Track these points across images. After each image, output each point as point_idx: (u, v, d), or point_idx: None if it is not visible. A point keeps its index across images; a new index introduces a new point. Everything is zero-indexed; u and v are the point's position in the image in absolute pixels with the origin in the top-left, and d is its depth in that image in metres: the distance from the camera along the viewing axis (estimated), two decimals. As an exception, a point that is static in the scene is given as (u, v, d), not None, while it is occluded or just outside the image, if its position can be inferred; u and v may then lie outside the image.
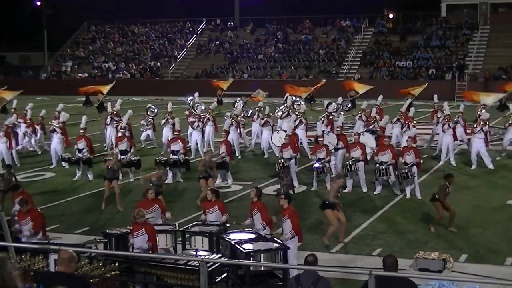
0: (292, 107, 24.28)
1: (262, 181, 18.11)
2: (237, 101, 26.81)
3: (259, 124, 23.16)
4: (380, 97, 24.75)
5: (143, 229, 9.94)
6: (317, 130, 18.30)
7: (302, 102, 26.63)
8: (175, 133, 18.53)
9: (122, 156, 18.10)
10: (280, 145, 19.28)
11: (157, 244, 10.17)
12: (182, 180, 18.31)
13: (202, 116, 22.44)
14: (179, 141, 18.04)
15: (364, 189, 16.88)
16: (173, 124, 22.76)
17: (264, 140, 21.98)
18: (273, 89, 40.57)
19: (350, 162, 16.61)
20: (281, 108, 23.69)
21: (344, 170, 16.81)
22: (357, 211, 15.05)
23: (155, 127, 24.29)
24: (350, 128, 24.83)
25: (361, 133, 18.87)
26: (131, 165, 18.07)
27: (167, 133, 21.97)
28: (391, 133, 19.70)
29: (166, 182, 17.83)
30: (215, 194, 11.51)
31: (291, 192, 14.17)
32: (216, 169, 16.71)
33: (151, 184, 13.74)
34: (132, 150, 18.60)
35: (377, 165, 16.28)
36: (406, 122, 20.76)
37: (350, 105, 27.86)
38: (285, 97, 26.56)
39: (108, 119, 22.81)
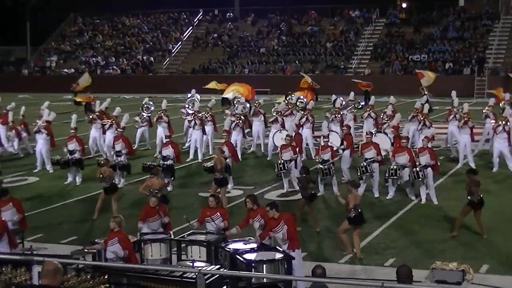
0: (295, 105, 24.25)
1: (265, 186, 18.10)
2: (238, 98, 26.81)
3: (264, 124, 23.19)
4: (391, 98, 24.53)
5: (116, 238, 10.08)
6: (322, 130, 18.27)
7: (305, 99, 26.62)
8: (166, 139, 18.44)
9: (116, 159, 18.15)
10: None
11: (134, 253, 10.20)
12: (170, 189, 18.14)
13: (199, 114, 22.42)
14: (170, 146, 17.99)
15: (376, 194, 16.87)
16: (168, 123, 22.84)
17: (271, 139, 21.96)
18: (276, 86, 40.63)
19: (365, 164, 16.59)
20: (280, 105, 23.57)
21: (359, 172, 16.80)
22: (368, 217, 14.99)
23: (152, 124, 24.29)
24: (359, 127, 24.86)
25: (374, 134, 18.85)
26: (120, 169, 18.06)
27: (161, 133, 22.02)
28: (408, 134, 19.54)
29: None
30: (217, 200, 11.53)
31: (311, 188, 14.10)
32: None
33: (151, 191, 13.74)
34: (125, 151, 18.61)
35: (393, 166, 16.28)
36: (423, 120, 20.66)
37: (363, 102, 27.79)
38: (286, 94, 26.58)
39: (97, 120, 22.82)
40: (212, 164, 16.29)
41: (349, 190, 12.51)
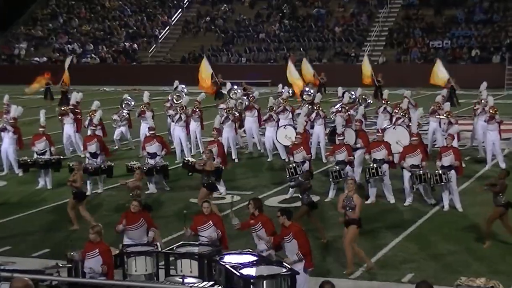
0: (287, 99, 24.10)
1: (264, 191, 18.13)
2: (233, 91, 26.77)
3: (258, 120, 23.20)
4: (408, 92, 24.49)
5: (97, 249, 10.12)
6: (337, 127, 18.26)
7: (312, 91, 26.53)
8: (151, 131, 18.51)
9: (91, 161, 18.12)
10: (287, 144, 19.28)
11: (113, 269, 10.24)
12: (168, 189, 18.33)
13: (183, 108, 22.41)
14: (155, 140, 18.03)
15: (392, 200, 16.90)
16: (153, 119, 22.87)
17: (268, 139, 22.00)
18: (278, 76, 40.59)
19: (374, 166, 16.63)
20: (274, 102, 23.53)
21: (367, 175, 16.84)
22: (383, 227, 15.05)
23: (131, 123, 24.31)
24: (372, 124, 24.90)
25: (393, 127, 18.84)
26: (101, 173, 18.07)
27: (145, 130, 22.14)
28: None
29: (149, 192, 17.92)
30: (211, 206, 11.56)
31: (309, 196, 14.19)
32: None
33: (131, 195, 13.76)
34: (101, 153, 18.63)
35: (412, 169, 16.30)
36: (448, 116, 20.63)
37: (370, 101, 27.85)
38: (281, 87, 26.50)
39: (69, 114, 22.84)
40: (193, 160, 16.31)
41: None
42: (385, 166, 16.82)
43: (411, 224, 15.24)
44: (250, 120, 23.40)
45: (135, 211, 11.77)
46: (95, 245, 10.21)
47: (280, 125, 21.52)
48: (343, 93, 24.90)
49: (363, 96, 26.64)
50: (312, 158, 20.71)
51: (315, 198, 17.03)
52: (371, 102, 26.89)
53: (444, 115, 20.73)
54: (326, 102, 33.20)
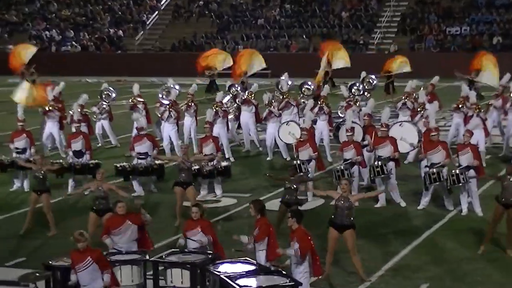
0: (287, 93, 24.05)
1: (264, 193, 18.12)
2: (234, 88, 26.61)
3: (255, 117, 23.19)
4: (412, 81, 24.50)
5: (89, 258, 9.99)
6: (346, 121, 18.25)
7: (311, 87, 26.41)
8: (140, 132, 18.46)
9: (76, 160, 18.17)
10: (290, 142, 19.26)
11: (115, 277, 10.21)
12: (155, 191, 18.36)
13: (173, 105, 22.37)
14: (146, 139, 18.08)
15: (402, 203, 16.92)
16: (146, 112, 22.91)
17: (269, 136, 21.97)
18: (279, 66, 40.58)
19: (379, 163, 16.63)
20: (268, 96, 23.49)
21: (371, 174, 16.84)
22: (393, 233, 15.06)
23: (112, 116, 24.27)
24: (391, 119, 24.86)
25: (399, 123, 18.84)
26: (88, 172, 18.10)
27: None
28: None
29: (136, 194, 17.94)
30: (201, 211, 11.57)
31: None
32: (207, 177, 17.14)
33: (97, 200, 13.82)
34: (88, 152, 18.67)
35: (427, 168, 16.32)
36: (477, 110, 20.53)
37: (375, 81, 27.75)
38: (280, 80, 26.40)
39: (44, 110, 22.82)
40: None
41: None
42: (391, 164, 16.80)
43: (425, 229, 15.22)
44: (246, 115, 23.35)
45: (122, 213, 11.68)
46: (84, 254, 10.01)
47: (282, 121, 21.47)
48: (351, 85, 24.82)
49: (368, 80, 26.52)
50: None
51: (319, 202, 17.08)
52: (376, 82, 26.93)
53: (470, 107, 20.68)
54: (334, 96, 33.23)
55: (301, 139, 17.59)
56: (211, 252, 11.17)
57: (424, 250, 13.98)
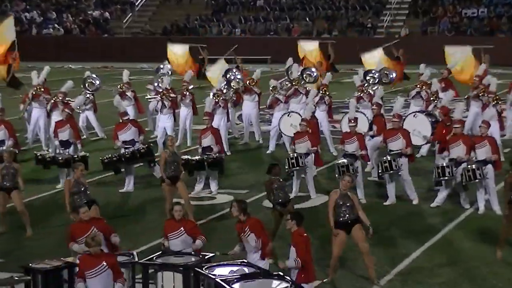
0: (300, 80, 24.02)
1: (263, 189, 18.04)
2: (231, 74, 26.57)
3: (258, 105, 23.16)
4: (421, 66, 24.26)
5: (104, 263, 9.92)
6: (349, 110, 18.21)
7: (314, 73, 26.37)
8: (123, 117, 18.42)
9: (62, 150, 18.18)
10: (292, 136, 19.22)
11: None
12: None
13: (167, 92, 22.29)
14: (130, 125, 18.13)
15: (415, 200, 16.91)
16: (136, 100, 22.87)
17: (274, 125, 21.90)
18: (279, 52, 40.56)
19: (388, 158, 16.59)
20: (280, 83, 23.41)
21: (379, 170, 16.79)
22: (404, 233, 15.05)
23: (97, 107, 24.25)
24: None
25: (413, 114, 18.80)
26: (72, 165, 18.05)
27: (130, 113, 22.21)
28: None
29: (124, 190, 17.97)
30: (184, 210, 11.63)
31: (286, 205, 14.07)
32: (199, 169, 17.08)
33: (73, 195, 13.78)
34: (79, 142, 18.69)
35: (443, 163, 16.30)
36: (496, 99, 20.44)
37: (393, 74, 27.71)
38: (287, 65, 26.34)
39: (30, 95, 22.78)
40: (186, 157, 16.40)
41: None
42: (403, 160, 16.73)
43: (439, 229, 15.22)
44: (249, 105, 23.32)
45: (85, 218, 11.53)
46: (99, 258, 9.92)
47: (284, 112, 21.43)
48: (365, 73, 24.72)
49: (385, 72, 26.40)
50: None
51: (322, 199, 17.06)
52: (394, 76, 26.81)
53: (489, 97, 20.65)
54: (338, 84, 33.23)
55: (300, 130, 17.54)
56: (198, 253, 11.17)
57: (437, 252, 13.96)
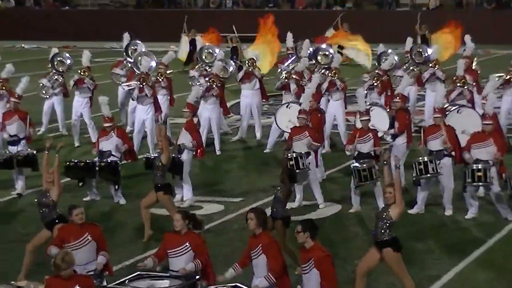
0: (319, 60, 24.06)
1: (260, 196, 18.13)
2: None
3: (262, 94, 23.22)
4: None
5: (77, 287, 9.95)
6: (358, 102, 18.23)
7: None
8: (106, 124, 18.35)
9: (10, 149, 18.24)
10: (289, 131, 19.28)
11: None
12: (123, 202, 18.24)
13: (145, 78, 22.29)
14: (113, 134, 17.89)
15: (448, 211, 16.95)
16: (93, 88, 22.86)
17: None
18: (280, 27, 40.56)
19: (425, 159, 16.58)
20: (285, 67, 23.40)
21: (415, 172, 16.69)
22: (436, 249, 15.10)
23: (68, 92, 24.21)
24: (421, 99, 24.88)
25: (457, 110, 18.71)
26: (21, 164, 18.10)
27: (80, 106, 22.33)
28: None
29: (88, 198, 18.07)
30: (188, 220, 11.60)
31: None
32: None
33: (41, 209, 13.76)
34: (28, 134, 18.67)
35: (474, 165, 16.31)
36: None
37: (426, 54, 27.53)
38: (301, 43, 26.34)
39: None
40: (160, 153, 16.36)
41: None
42: (445, 161, 16.73)
43: (477, 245, 15.24)
44: (249, 94, 23.40)
45: (79, 223, 11.63)
46: (71, 282, 9.96)
47: (282, 103, 21.46)
48: (381, 54, 24.73)
49: (419, 49, 26.07)
50: (325, 150, 20.80)
51: (334, 209, 17.11)
52: (428, 55, 26.69)
53: None
54: (350, 67, 33.22)
55: (297, 125, 17.53)
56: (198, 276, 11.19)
57: (475, 273, 13.99)
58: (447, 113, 18.57)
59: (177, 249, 11.36)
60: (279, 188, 14.08)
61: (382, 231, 12.05)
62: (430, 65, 22.97)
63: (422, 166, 16.56)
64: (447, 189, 16.89)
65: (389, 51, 25.32)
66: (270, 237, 11.22)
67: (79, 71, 23.33)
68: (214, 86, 21.77)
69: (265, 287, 10.71)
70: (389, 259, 12.15)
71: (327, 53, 24.89)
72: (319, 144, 17.57)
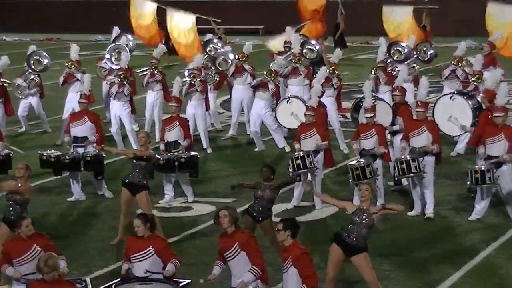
0: (299, 56, 24.08)
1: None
2: (212, 45, 26.62)
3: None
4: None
5: None
6: (365, 95, 18.23)
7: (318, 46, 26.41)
8: (82, 100, 18.46)
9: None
10: (293, 127, 19.28)
11: None
12: (110, 195, 18.38)
13: (126, 73, 22.27)
14: (86, 118, 18.12)
15: (429, 213, 16.86)
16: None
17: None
18: (274, 20, 40.63)
19: (406, 158, 16.47)
20: (281, 59, 23.47)
21: (397, 171, 16.70)
22: (436, 254, 15.11)
23: (44, 92, 24.22)
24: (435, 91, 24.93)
25: (450, 97, 18.78)
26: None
27: (74, 103, 22.05)
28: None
29: (72, 198, 18.07)
30: (150, 226, 11.60)
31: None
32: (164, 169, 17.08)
33: (11, 207, 13.75)
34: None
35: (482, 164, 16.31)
36: None
37: (432, 51, 27.54)
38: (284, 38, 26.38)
39: None
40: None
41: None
42: (428, 159, 16.73)
43: (479, 249, 15.25)
44: (239, 89, 23.35)
45: (27, 235, 11.49)
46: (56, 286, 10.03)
47: (282, 98, 21.48)
48: (389, 46, 24.72)
49: (423, 48, 26.18)
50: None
51: (330, 210, 17.12)
52: (433, 52, 26.69)
53: None
54: (348, 61, 33.24)
55: (305, 122, 17.55)
56: (180, 280, 11.19)
57: (478, 279, 14.00)
58: (440, 96, 18.74)
59: (141, 253, 11.39)
60: (264, 187, 14.18)
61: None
62: (452, 62, 22.83)
63: (404, 165, 16.54)
64: (427, 189, 16.85)
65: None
66: (246, 233, 11.40)
67: (68, 64, 23.24)
68: (194, 81, 21.71)
69: (251, 280, 10.77)
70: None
71: (312, 47, 25.20)
72: (326, 143, 17.59)
